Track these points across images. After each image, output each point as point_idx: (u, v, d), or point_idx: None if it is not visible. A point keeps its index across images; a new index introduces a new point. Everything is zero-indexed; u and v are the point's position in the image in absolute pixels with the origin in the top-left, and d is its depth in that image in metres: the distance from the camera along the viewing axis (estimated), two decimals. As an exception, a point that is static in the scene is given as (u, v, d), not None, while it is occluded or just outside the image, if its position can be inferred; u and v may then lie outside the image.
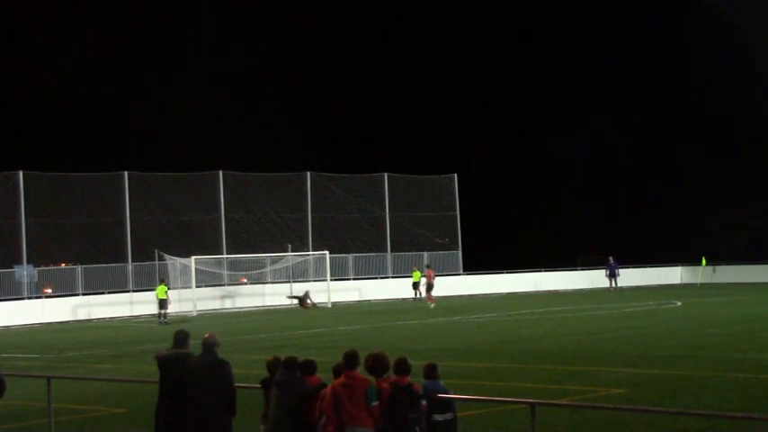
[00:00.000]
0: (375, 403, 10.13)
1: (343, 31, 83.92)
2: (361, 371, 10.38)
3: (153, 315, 45.93)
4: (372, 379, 10.52)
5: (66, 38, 78.41)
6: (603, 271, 56.24)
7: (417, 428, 10.16)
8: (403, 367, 10.39)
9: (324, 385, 10.70)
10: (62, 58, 78.22)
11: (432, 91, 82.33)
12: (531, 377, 19.34)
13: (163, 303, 41.96)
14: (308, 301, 48.08)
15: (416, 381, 10.58)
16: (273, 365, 11.21)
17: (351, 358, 10.40)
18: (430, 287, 45.14)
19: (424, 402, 10.37)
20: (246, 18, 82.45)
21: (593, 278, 58.78)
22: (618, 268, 55.53)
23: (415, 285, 52.14)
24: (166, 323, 39.79)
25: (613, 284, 54.80)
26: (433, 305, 43.32)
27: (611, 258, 55.56)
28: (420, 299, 51.65)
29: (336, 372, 10.66)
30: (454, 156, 71.67)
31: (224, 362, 11.12)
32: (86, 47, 78.55)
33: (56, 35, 79.09)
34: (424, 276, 47.30)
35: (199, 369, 11.03)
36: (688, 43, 75.58)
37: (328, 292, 50.07)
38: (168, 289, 42.84)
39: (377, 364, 10.39)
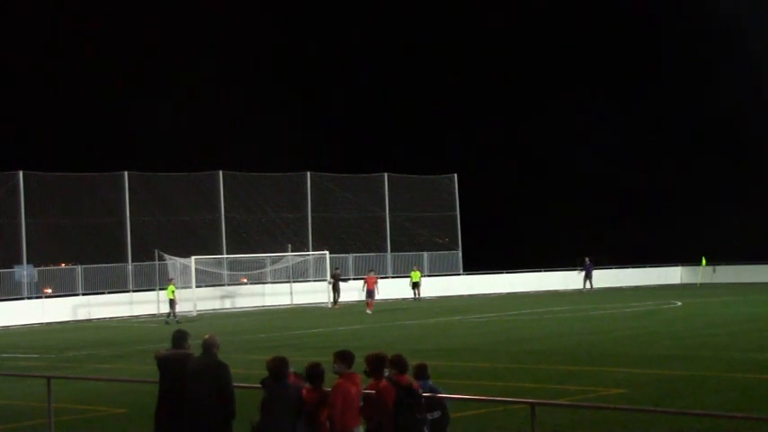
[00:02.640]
0: (361, 404, 10.24)
1: (344, 30, 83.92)
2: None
3: (153, 315, 46.01)
4: (369, 379, 10.55)
5: (67, 37, 78.42)
6: (582, 272, 55.21)
7: (426, 429, 10.20)
8: (399, 364, 10.40)
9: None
10: (62, 58, 78.24)
11: (432, 91, 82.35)
12: (531, 377, 19.34)
13: (171, 303, 42.09)
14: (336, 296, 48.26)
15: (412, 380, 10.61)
16: (273, 365, 11.19)
17: (350, 358, 10.45)
18: (370, 294, 43.82)
19: None
20: (246, 17, 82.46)
21: (595, 278, 58.70)
22: (593, 269, 54.87)
23: (415, 285, 52.03)
24: (168, 323, 39.75)
25: (588, 285, 54.04)
26: (369, 311, 41.90)
27: (587, 259, 54.83)
28: (419, 299, 51.60)
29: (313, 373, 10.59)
30: (454, 156, 71.68)
31: (223, 364, 11.12)
32: (86, 47, 78.56)
33: (56, 35, 79.13)
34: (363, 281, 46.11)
35: (198, 370, 11.04)
36: (688, 43, 75.56)
37: (328, 292, 50.04)
38: (175, 289, 42.87)
39: (374, 364, 10.41)
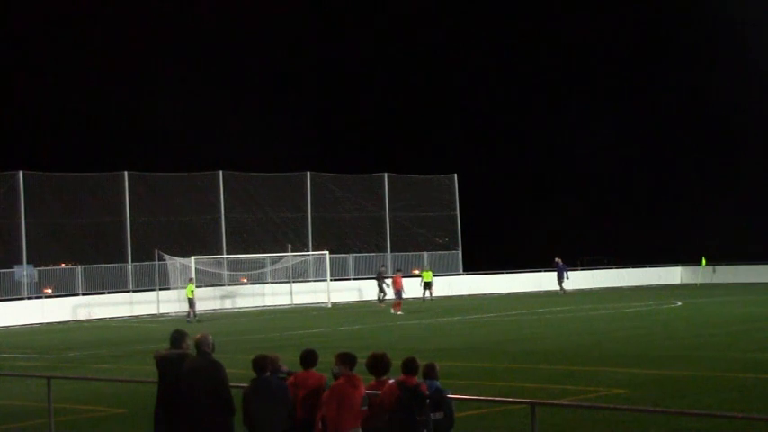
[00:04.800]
0: (365, 408, 10.22)
1: (343, 31, 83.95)
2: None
3: (153, 315, 45.99)
4: (371, 379, 10.54)
5: (67, 37, 78.43)
6: (555, 273, 53.63)
7: (425, 431, 10.19)
8: (411, 367, 10.40)
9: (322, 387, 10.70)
10: (62, 58, 78.26)
11: (432, 91, 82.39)
12: (531, 377, 19.34)
13: (191, 302, 42.22)
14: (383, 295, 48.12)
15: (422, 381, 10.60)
16: (259, 363, 11.19)
17: (352, 360, 10.44)
18: (398, 294, 42.63)
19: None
20: (246, 18, 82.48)
21: (595, 278, 58.83)
22: (566, 270, 53.71)
23: (427, 285, 51.24)
24: (197, 321, 39.97)
25: (562, 287, 52.83)
26: (395, 312, 40.57)
27: (559, 260, 53.49)
28: (428, 299, 51.27)
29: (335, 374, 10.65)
30: (454, 156, 71.72)
31: (216, 363, 11.12)
32: (86, 46, 78.59)
33: (56, 35, 79.14)
34: (388, 281, 45.63)
35: (192, 370, 11.06)
36: (688, 43, 75.59)
37: (328, 292, 50.06)
38: (194, 288, 42.92)
39: (377, 364, 10.40)
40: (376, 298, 48.72)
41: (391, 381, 10.36)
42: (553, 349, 24.19)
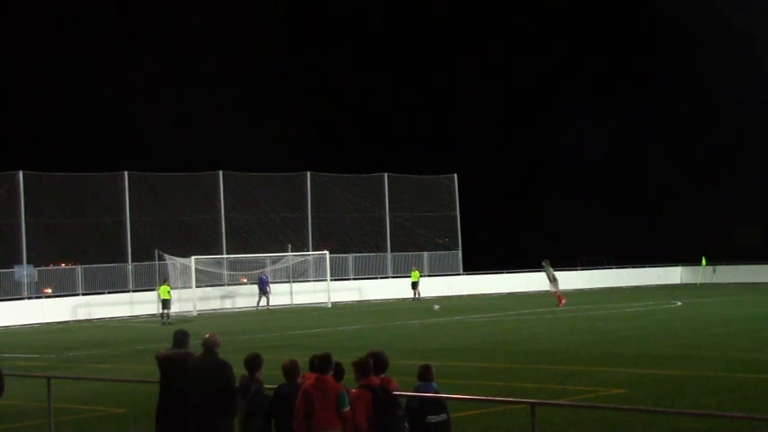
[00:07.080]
0: (346, 409, 10.15)
1: (344, 31, 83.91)
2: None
3: (153, 315, 45.89)
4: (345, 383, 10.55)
5: (66, 37, 78.41)
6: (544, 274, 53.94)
7: (406, 425, 10.20)
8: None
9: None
10: (62, 58, 78.24)
11: (432, 91, 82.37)
12: (531, 377, 19.34)
13: (165, 303, 41.88)
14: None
15: (413, 381, 10.59)
16: (290, 369, 11.07)
17: (324, 361, 10.44)
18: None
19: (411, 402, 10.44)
20: (246, 17, 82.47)
21: (594, 278, 58.79)
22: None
23: (414, 285, 52.07)
24: (170, 323, 39.65)
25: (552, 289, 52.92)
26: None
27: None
28: (419, 299, 51.50)
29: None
30: (454, 156, 71.69)
31: (225, 363, 11.14)
32: (86, 46, 78.57)
33: (56, 34, 79.11)
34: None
35: (199, 369, 11.06)
36: (688, 42, 75.57)
37: (328, 292, 50.05)
38: (171, 289, 42.67)
39: (355, 367, 10.43)
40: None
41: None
42: (553, 349, 24.20)
